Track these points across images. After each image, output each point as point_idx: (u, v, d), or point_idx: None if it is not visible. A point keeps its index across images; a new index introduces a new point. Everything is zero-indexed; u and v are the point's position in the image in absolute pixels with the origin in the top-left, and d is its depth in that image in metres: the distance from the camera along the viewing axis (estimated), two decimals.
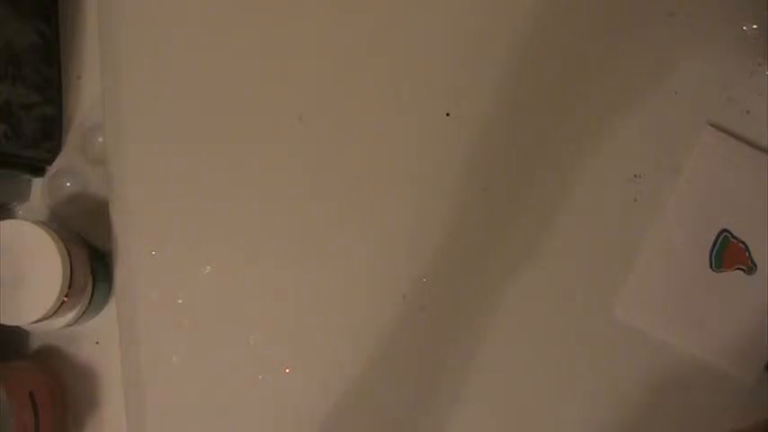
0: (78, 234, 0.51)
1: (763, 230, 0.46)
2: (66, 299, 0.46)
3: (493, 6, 0.48)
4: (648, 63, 0.48)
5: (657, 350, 0.46)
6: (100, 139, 0.52)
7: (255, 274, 0.49)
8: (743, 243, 0.46)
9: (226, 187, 0.49)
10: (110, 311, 0.52)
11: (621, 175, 0.47)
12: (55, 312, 0.46)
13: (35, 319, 0.45)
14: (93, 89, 0.53)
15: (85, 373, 0.52)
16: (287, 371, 0.48)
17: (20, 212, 0.53)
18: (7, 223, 0.45)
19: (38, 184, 0.53)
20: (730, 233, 0.46)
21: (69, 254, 0.46)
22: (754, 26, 0.47)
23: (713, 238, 0.46)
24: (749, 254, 0.46)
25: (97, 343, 0.52)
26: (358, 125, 0.49)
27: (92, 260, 0.49)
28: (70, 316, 0.48)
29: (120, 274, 0.50)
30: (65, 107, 0.53)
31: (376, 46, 0.49)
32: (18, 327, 0.47)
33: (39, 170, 0.53)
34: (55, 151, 0.53)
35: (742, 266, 0.46)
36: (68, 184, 0.53)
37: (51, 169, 0.53)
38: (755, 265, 0.46)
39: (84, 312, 0.49)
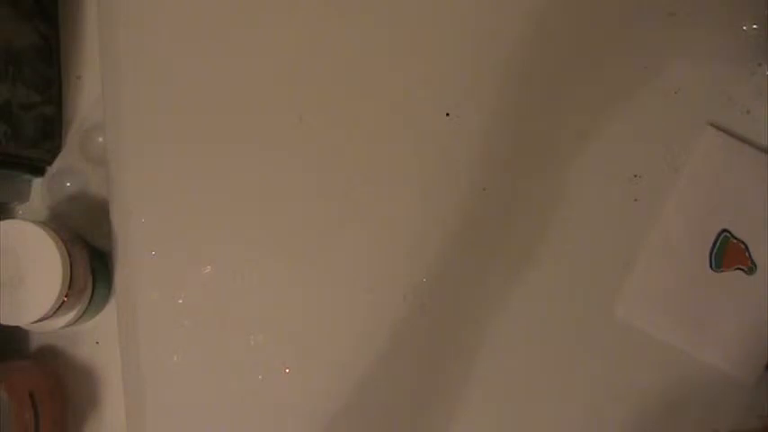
0: (78, 234, 0.51)
1: (763, 230, 0.46)
2: (66, 299, 0.46)
3: (493, 6, 0.49)
4: (648, 63, 0.48)
5: (657, 350, 0.46)
6: (100, 139, 0.52)
7: (256, 274, 0.48)
8: (743, 243, 0.46)
9: (226, 187, 0.49)
10: (110, 311, 0.52)
11: (621, 175, 0.47)
12: (55, 312, 0.46)
13: (35, 319, 0.45)
14: (93, 89, 0.53)
15: (85, 373, 0.52)
16: (287, 371, 0.48)
17: (20, 212, 0.53)
18: (7, 223, 0.45)
19: (38, 184, 0.53)
20: (730, 233, 0.46)
21: (69, 254, 0.46)
22: (754, 26, 0.47)
23: (713, 238, 0.46)
24: (749, 254, 0.46)
25: (97, 343, 0.52)
26: (358, 125, 0.49)
27: (92, 260, 0.49)
28: (70, 316, 0.48)
29: (120, 274, 0.50)
30: (65, 107, 0.53)
31: (376, 46, 0.49)
32: (18, 327, 0.47)
33: (39, 170, 0.53)
34: (55, 151, 0.53)
35: (742, 266, 0.46)
36: (68, 184, 0.53)
37: (51, 169, 0.53)
38: (755, 265, 0.46)
39: (84, 312, 0.49)
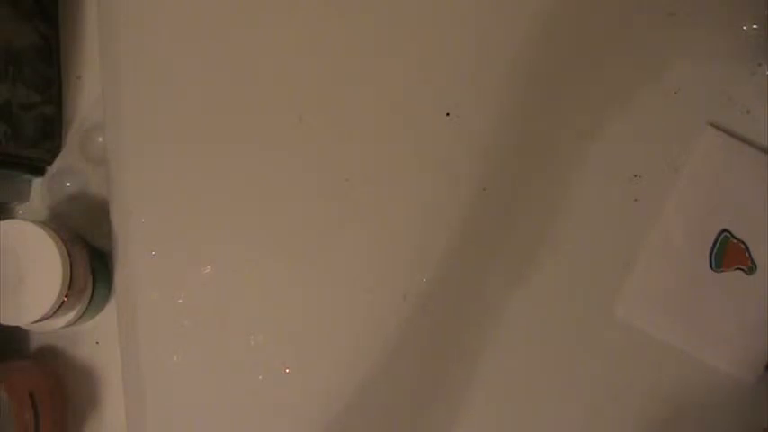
0: (78, 234, 0.51)
1: (763, 230, 0.46)
2: (66, 299, 0.46)
3: (493, 7, 0.49)
4: (648, 63, 0.48)
5: (658, 350, 0.46)
6: (100, 139, 0.52)
7: (256, 274, 0.49)
8: (743, 243, 0.46)
9: (226, 187, 0.49)
10: (110, 311, 0.52)
11: (621, 175, 0.47)
12: (55, 312, 0.46)
13: (35, 319, 0.45)
14: (93, 89, 0.53)
15: (85, 373, 0.52)
16: (287, 371, 0.48)
17: (20, 212, 0.53)
18: (7, 223, 0.45)
19: (38, 184, 0.53)
20: (730, 233, 0.46)
21: (69, 254, 0.46)
22: (754, 26, 0.47)
23: (713, 237, 0.46)
24: (749, 254, 0.46)
25: (97, 343, 0.52)
26: (358, 125, 0.49)
27: (92, 260, 0.49)
28: (70, 316, 0.48)
29: (120, 274, 0.50)
30: (65, 107, 0.53)
31: (376, 46, 0.49)
32: (18, 327, 0.47)
33: (39, 170, 0.53)
34: (55, 151, 0.53)
35: (742, 266, 0.46)
36: (68, 184, 0.53)
37: (51, 169, 0.53)
38: (755, 265, 0.46)
39: (84, 312, 0.49)
